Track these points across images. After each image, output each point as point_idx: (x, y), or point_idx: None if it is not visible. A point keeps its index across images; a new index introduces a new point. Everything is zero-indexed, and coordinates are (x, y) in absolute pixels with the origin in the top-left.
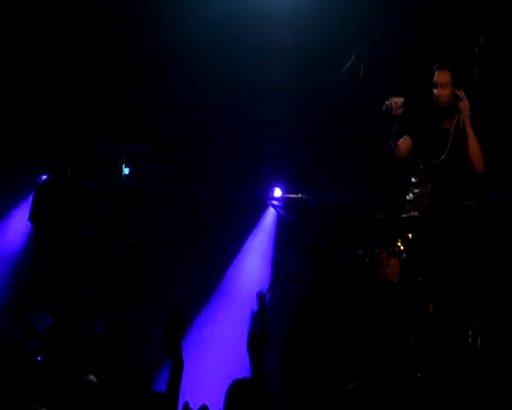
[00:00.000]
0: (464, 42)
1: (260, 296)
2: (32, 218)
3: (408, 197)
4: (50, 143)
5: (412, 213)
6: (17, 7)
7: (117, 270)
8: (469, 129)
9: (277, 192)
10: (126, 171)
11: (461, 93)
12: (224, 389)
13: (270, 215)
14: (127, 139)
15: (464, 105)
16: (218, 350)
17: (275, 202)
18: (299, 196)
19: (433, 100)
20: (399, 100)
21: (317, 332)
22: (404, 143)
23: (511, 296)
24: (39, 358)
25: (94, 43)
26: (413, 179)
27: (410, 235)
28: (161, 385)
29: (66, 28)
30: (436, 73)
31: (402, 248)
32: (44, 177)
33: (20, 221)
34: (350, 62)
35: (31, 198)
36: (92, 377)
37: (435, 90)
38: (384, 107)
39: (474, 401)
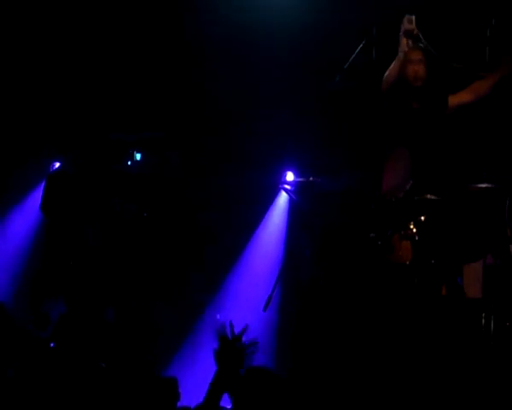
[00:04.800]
0: (476, 23)
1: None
2: (43, 207)
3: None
4: (62, 131)
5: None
6: None
7: (129, 255)
8: None
9: (290, 176)
10: (138, 156)
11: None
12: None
13: (282, 200)
14: (140, 126)
15: None
16: None
17: (287, 187)
18: (311, 179)
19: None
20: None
21: (330, 317)
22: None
23: None
24: (52, 344)
25: (105, 32)
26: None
27: (422, 217)
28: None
29: (78, 20)
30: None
31: (414, 230)
32: (56, 165)
33: (32, 210)
34: (361, 46)
35: (42, 188)
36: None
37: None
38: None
39: (486, 384)
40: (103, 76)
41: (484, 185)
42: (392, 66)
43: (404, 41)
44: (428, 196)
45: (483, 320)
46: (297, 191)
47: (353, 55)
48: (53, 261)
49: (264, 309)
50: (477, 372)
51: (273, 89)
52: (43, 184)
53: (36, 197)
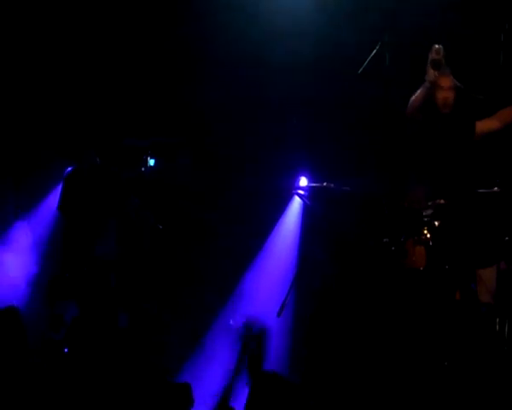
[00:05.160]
0: (490, 28)
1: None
2: (60, 207)
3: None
4: (79, 133)
5: (438, 200)
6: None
7: (143, 261)
8: None
9: (303, 181)
10: (152, 162)
11: None
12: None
13: (295, 205)
14: (153, 131)
15: None
16: None
17: (300, 192)
18: (325, 184)
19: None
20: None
21: (343, 321)
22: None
23: None
24: (66, 350)
25: (123, 39)
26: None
27: (436, 222)
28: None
29: (95, 33)
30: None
31: (428, 235)
32: (72, 167)
33: (48, 211)
34: (374, 52)
35: (59, 188)
36: None
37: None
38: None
39: (500, 388)
40: (117, 84)
41: (498, 191)
42: (417, 93)
43: (430, 71)
44: (442, 201)
45: (497, 325)
46: (311, 196)
47: (367, 61)
48: (68, 265)
49: (279, 315)
50: (491, 377)
51: (287, 94)
52: (59, 186)
53: (52, 201)
